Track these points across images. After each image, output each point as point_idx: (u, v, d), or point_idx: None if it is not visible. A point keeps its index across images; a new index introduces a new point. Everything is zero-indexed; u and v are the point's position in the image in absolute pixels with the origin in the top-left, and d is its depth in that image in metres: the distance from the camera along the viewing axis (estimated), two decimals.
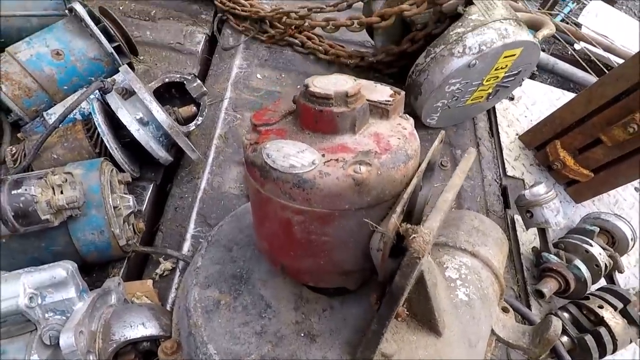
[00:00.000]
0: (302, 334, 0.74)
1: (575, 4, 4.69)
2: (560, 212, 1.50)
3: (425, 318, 0.75)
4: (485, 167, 1.85)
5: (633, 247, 1.65)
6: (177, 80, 1.43)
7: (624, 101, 1.56)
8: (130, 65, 1.54)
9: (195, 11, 1.96)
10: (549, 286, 1.45)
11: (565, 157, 1.80)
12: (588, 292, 1.47)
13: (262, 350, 0.71)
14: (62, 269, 0.91)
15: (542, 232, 1.55)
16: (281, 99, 0.73)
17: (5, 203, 0.95)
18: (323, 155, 0.60)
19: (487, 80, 1.57)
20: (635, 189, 2.08)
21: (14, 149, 1.27)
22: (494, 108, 2.05)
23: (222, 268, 0.85)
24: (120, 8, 1.86)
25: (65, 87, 1.40)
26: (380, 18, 1.60)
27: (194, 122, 1.45)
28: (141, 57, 1.72)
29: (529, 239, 1.70)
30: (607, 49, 3.94)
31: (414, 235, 0.53)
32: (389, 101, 0.66)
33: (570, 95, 2.13)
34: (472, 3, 1.50)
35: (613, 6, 4.63)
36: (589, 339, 1.32)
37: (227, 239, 0.91)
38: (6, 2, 1.38)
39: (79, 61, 1.40)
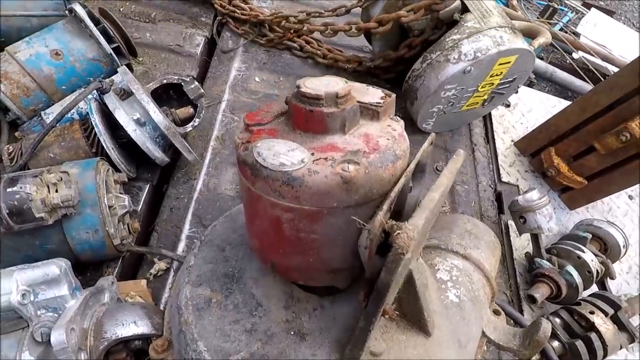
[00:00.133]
0: (292, 333, 0.74)
1: (574, 13, 4.73)
2: (552, 218, 1.51)
3: (414, 318, 0.76)
4: (480, 173, 1.86)
5: (625, 254, 1.66)
6: (175, 81, 1.44)
7: (617, 110, 1.57)
8: (129, 66, 1.56)
9: (195, 14, 1.98)
10: (541, 291, 1.46)
11: (560, 164, 1.81)
12: (580, 297, 1.48)
13: (252, 348, 0.72)
14: (55, 267, 0.91)
15: (535, 238, 1.56)
16: (275, 100, 0.74)
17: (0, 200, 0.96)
18: (312, 154, 0.61)
19: (482, 87, 1.59)
20: (629, 197, 2.10)
21: (10, 147, 1.27)
22: (490, 114, 2.06)
23: (215, 267, 0.86)
24: (121, 9, 1.87)
25: (64, 87, 1.41)
26: (378, 24, 1.62)
27: (191, 124, 1.46)
28: (140, 59, 1.74)
29: (522, 244, 1.71)
30: (604, 58, 3.97)
31: (398, 231, 0.54)
32: (379, 103, 0.67)
33: (566, 103, 2.15)
34: (468, 10, 1.52)
35: (612, 17, 4.67)
36: (579, 344, 1.33)
37: (220, 238, 0.92)
38: (6, 2, 1.39)
39: (78, 61, 1.41)
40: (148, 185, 1.46)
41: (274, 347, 0.72)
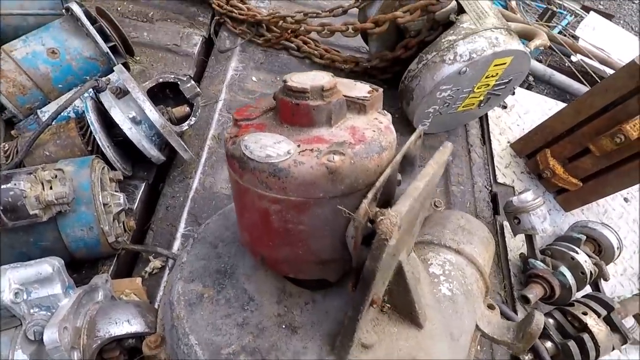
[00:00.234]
0: (284, 326, 0.74)
1: (573, 16, 4.75)
2: (547, 219, 1.51)
3: (406, 310, 0.76)
4: (476, 174, 1.87)
5: (619, 256, 1.67)
6: (171, 80, 1.45)
7: (612, 112, 1.58)
8: (126, 65, 1.56)
9: (193, 13, 1.99)
10: (534, 292, 1.46)
11: (555, 166, 1.82)
12: (573, 298, 1.49)
13: (243, 341, 0.72)
14: (48, 265, 0.92)
15: (530, 239, 1.56)
16: (263, 97, 0.75)
17: None
18: (299, 146, 0.62)
19: (477, 88, 1.59)
20: (625, 199, 2.10)
21: (6, 145, 1.28)
22: (486, 116, 2.07)
23: (207, 263, 0.86)
24: (119, 9, 1.88)
25: (60, 86, 1.42)
26: (375, 24, 1.62)
27: (187, 122, 1.46)
28: (138, 58, 1.74)
29: (517, 245, 1.72)
30: (603, 61, 3.99)
31: (381, 217, 0.54)
32: (366, 97, 0.68)
33: (563, 106, 2.16)
34: (464, 12, 1.52)
35: (611, 20, 4.69)
36: (572, 345, 1.34)
37: (213, 235, 0.92)
38: (3, 1, 1.39)
39: (75, 60, 1.41)
40: (144, 183, 1.47)
41: (265, 340, 0.72)
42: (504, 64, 1.51)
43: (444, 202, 1.73)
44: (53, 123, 1.27)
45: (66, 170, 1.09)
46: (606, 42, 4.22)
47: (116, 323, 0.96)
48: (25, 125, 1.39)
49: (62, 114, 1.27)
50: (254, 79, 1.87)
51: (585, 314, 1.39)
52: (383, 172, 0.63)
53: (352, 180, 0.61)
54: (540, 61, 4.09)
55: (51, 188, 1.03)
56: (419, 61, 1.55)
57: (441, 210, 1.69)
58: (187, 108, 1.47)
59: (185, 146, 1.40)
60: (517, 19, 3.45)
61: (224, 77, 1.83)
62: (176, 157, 1.56)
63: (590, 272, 1.51)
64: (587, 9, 4.82)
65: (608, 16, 4.72)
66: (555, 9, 4.59)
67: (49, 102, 1.41)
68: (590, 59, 3.92)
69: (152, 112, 1.28)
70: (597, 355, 1.35)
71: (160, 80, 1.45)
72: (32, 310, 0.91)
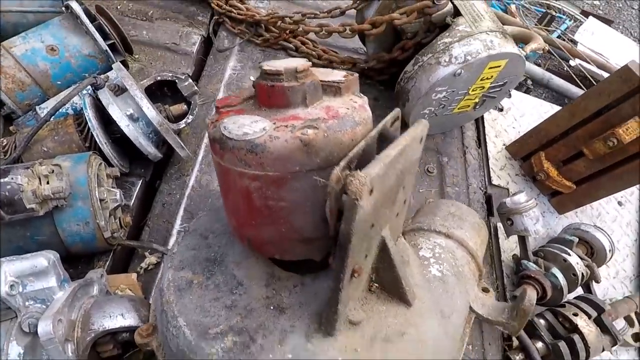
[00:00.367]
0: (272, 307, 0.75)
1: (572, 21, 4.77)
2: (539, 221, 1.53)
3: (393, 288, 0.77)
4: (471, 175, 1.88)
5: (610, 258, 1.68)
6: (169, 78, 1.46)
7: (605, 116, 1.60)
8: (124, 63, 1.58)
9: (192, 13, 2.00)
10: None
11: (549, 169, 1.84)
12: (564, 300, 1.50)
13: (231, 322, 0.73)
14: (44, 259, 0.93)
15: (522, 240, 1.58)
16: (245, 88, 0.77)
17: None
18: (274, 124, 0.65)
19: (473, 90, 1.61)
20: (619, 203, 2.12)
21: (4, 140, 1.29)
22: (482, 118, 2.09)
23: (197, 253, 0.87)
24: (118, 7, 1.89)
25: (59, 83, 1.43)
26: (372, 25, 1.64)
27: (184, 120, 1.48)
28: (136, 56, 1.76)
29: (510, 246, 1.73)
30: (601, 66, 4.01)
31: (350, 179, 0.55)
32: (341, 80, 0.71)
33: (558, 109, 2.17)
34: (460, 14, 1.54)
35: (610, 25, 4.71)
36: (562, 345, 1.35)
37: (204, 228, 0.94)
38: None
39: (74, 57, 1.43)
40: (141, 180, 1.48)
41: (253, 320, 0.73)
42: (499, 66, 1.52)
43: None
44: (51, 119, 1.28)
45: (63, 165, 1.11)
46: (605, 47, 4.24)
47: (110, 317, 0.97)
48: (24, 121, 1.41)
49: (60, 110, 1.28)
50: (252, 78, 1.88)
51: (576, 315, 1.41)
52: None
53: (326, 154, 0.63)
54: (538, 65, 4.11)
55: (48, 183, 1.04)
56: (415, 63, 1.56)
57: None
58: (185, 106, 1.48)
59: (182, 144, 1.42)
60: (516, 22, 3.47)
61: (222, 76, 1.85)
62: (173, 155, 1.58)
63: (582, 274, 1.52)
64: (586, 14, 4.84)
65: (607, 21, 4.75)
66: (554, 13, 4.62)
67: (48, 99, 1.42)
68: (589, 63, 3.94)
69: (149, 110, 1.29)
70: (588, 355, 1.36)
71: (159, 78, 1.46)
72: (27, 303, 0.92)
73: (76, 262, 1.27)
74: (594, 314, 1.42)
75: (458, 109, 1.72)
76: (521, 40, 1.78)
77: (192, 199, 1.50)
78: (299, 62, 0.67)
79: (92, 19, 1.42)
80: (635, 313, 1.60)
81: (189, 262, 0.85)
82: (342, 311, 0.67)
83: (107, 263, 1.29)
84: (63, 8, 1.42)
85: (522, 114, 2.24)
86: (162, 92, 1.54)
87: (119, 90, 1.34)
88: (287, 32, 1.91)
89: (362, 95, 0.75)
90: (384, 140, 0.71)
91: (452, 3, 1.53)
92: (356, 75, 0.75)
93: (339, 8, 1.75)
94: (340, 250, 0.60)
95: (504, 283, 1.61)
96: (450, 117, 1.78)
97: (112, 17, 1.49)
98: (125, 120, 1.28)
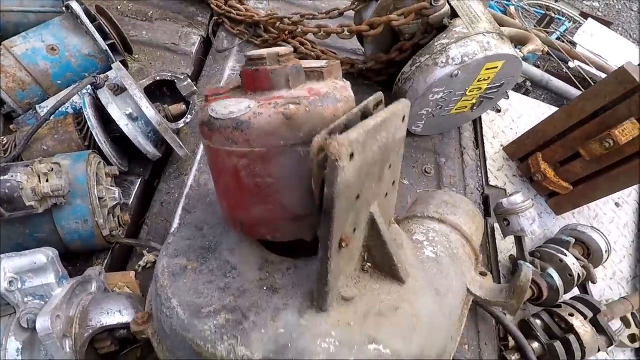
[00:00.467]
0: (265, 288, 0.76)
1: (571, 23, 4.79)
2: (536, 221, 1.54)
3: (386, 266, 0.78)
4: (469, 176, 1.89)
5: (607, 259, 1.69)
6: (169, 78, 1.47)
7: (602, 117, 1.61)
8: (124, 63, 1.59)
9: (192, 13, 2.01)
10: None
11: (546, 170, 1.85)
12: (561, 300, 1.51)
13: (224, 302, 0.74)
14: (43, 255, 0.94)
15: (519, 241, 1.59)
16: (233, 80, 0.79)
17: None
18: (259, 103, 0.68)
19: (470, 91, 1.62)
20: (616, 204, 2.13)
21: (5, 139, 1.30)
22: (480, 119, 2.10)
23: (192, 242, 0.88)
24: (119, 8, 1.90)
25: (59, 82, 1.44)
26: (370, 27, 1.65)
27: (182, 120, 1.49)
28: (136, 56, 1.77)
29: (507, 247, 1.74)
30: (600, 68, 4.02)
31: (330, 141, 0.57)
32: (324, 66, 0.74)
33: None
34: (457, 16, 1.55)
35: (609, 27, 4.72)
36: (558, 345, 1.36)
37: (199, 220, 0.95)
38: None
39: (74, 57, 1.44)
40: (140, 179, 1.49)
41: (246, 300, 0.74)
42: (496, 67, 1.53)
43: None
44: (51, 118, 1.29)
45: (63, 164, 1.12)
46: (604, 49, 4.26)
47: (108, 313, 0.98)
48: (24, 120, 1.42)
49: (60, 109, 1.29)
50: None
51: (572, 315, 1.41)
52: None
53: (309, 128, 0.65)
54: (538, 67, 4.12)
55: (47, 181, 1.05)
56: (413, 64, 1.57)
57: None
58: (184, 106, 1.50)
59: (181, 143, 1.43)
60: (515, 24, 3.49)
61: (221, 77, 1.86)
62: (172, 154, 1.59)
63: (578, 274, 1.53)
64: (585, 16, 4.86)
65: (607, 23, 4.76)
66: (553, 15, 4.63)
67: (48, 98, 1.44)
68: (588, 65, 3.96)
69: (148, 109, 1.30)
70: (583, 356, 1.36)
71: (158, 78, 1.47)
72: (26, 299, 0.93)
73: (75, 259, 1.28)
74: (590, 314, 1.43)
75: (455, 110, 1.73)
76: (519, 41, 1.79)
77: (191, 198, 1.51)
78: (282, 48, 0.71)
79: (93, 19, 1.43)
80: (632, 314, 1.61)
81: (183, 251, 0.86)
82: (332, 283, 0.68)
83: (106, 261, 1.30)
84: (64, 8, 1.44)
85: (519, 115, 2.25)
86: (161, 92, 1.55)
87: (119, 90, 1.35)
88: (286, 33, 1.92)
89: (345, 80, 0.78)
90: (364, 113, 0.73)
91: (450, 5, 1.54)
92: (339, 62, 0.78)
93: (338, 9, 1.77)
94: (325, 216, 0.61)
95: (501, 283, 1.62)
96: (448, 118, 1.79)
97: (112, 17, 1.50)
98: (124, 119, 1.29)
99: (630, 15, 5.82)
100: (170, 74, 1.48)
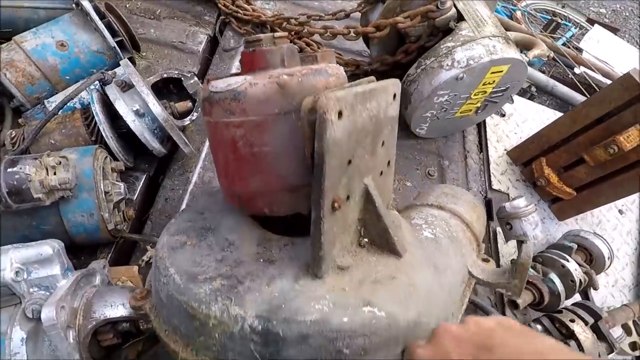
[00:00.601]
0: (262, 260, 0.77)
1: (577, 29, 4.78)
2: (538, 226, 1.54)
3: (382, 240, 0.79)
4: (472, 179, 1.89)
5: (609, 266, 1.69)
6: (175, 76, 1.49)
7: (606, 123, 1.61)
8: (132, 60, 1.60)
9: (200, 12, 2.03)
10: (523, 297, 1.48)
11: (550, 175, 1.85)
12: (562, 306, 1.51)
13: (221, 270, 0.75)
14: (49, 247, 0.95)
15: (521, 245, 1.58)
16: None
17: (0, 180, 1.00)
18: (255, 77, 0.72)
19: (475, 95, 1.62)
20: (620, 211, 2.12)
21: (13, 132, 1.32)
22: (484, 123, 2.10)
23: (193, 224, 0.90)
24: (127, 6, 1.92)
25: (68, 77, 1.46)
26: (376, 28, 1.66)
27: (189, 117, 1.50)
28: (144, 54, 1.79)
29: (509, 251, 1.74)
30: (606, 74, 4.01)
31: (318, 96, 0.60)
32: (318, 52, 0.79)
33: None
34: (463, 19, 1.56)
35: (616, 34, 4.71)
36: None
37: (201, 206, 0.97)
38: None
39: (83, 53, 1.46)
40: (145, 175, 1.50)
41: (242, 269, 0.75)
42: (501, 71, 1.54)
43: None
44: (59, 113, 1.31)
45: (70, 157, 1.13)
46: (610, 55, 4.24)
47: (112, 306, 0.99)
48: (33, 114, 1.44)
49: (68, 104, 1.31)
50: None
51: (572, 321, 1.41)
52: None
53: (302, 97, 0.68)
54: (543, 72, 4.11)
55: (55, 174, 1.07)
56: (418, 66, 1.58)
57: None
58: (190, 103, 1.51)
59: (187, 140, 1.44)
60: (520, 29, 3.49)
61: None
62: (177, 151, 1.60)
63: (580, 280, 1.53)
64: (592, 22, 4.84)
65: (613, 30, 4.74)
66: (560, 20, 4.62)
67: (56, 93, 1.45)
68: (594, 71, 3.95)
69: (155, 106, 1.32)
70: None
71: (165, 75, 1.49)
72: (31, 289, 0.94)
73: (79, 252, 1.29)
74: (591, 320, 1.42)
75: (460, 113, 1.74)
76: (524, 46, 1.80)
77: (195, 195, 1.52)
78: (277, 33, 0.76)
79: (102, 17, 1.45)
80: (633, 321, 1.61)
81: (184, 230, 0.88)
82: (326, 247, 0.69)
83: (110, 255, 1.32)
84: (73, 5, 1.46)
85: (524, 120, 2.25)
86: (168, 89, 1.56)
87: (126, 87, 1.37)
88: (292, 33, 1.93)
89: (339, 66, 0.82)
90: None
91: (456, 8, 1.55)
92: (332, 50, 0.83)
93: (344, 10, 1.78)
94: (316, 174, 0.63)
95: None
96: (452, 121, 1.79)
97: (121, 15, 1.51)
98: (131, 115, 1.30)
99: (636, 22, 5.80)
100: (177, 72, 1.50)
